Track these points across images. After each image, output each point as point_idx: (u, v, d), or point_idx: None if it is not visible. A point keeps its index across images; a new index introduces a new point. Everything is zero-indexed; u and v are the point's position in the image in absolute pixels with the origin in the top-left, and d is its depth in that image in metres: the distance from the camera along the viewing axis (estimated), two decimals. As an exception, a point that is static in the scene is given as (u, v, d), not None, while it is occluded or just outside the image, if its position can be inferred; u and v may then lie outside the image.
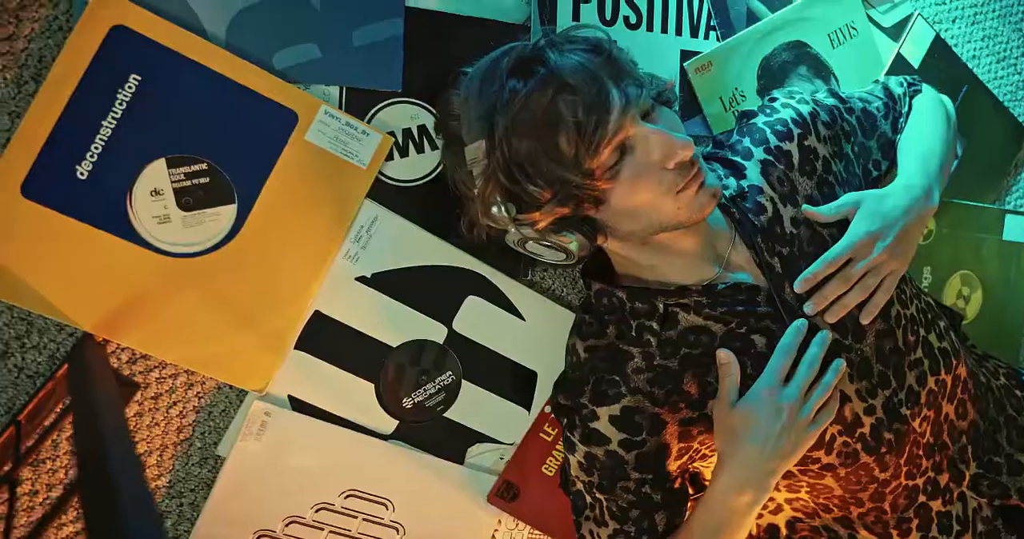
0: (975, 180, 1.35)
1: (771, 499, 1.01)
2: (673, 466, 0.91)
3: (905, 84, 1.10)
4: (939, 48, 1.28)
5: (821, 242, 0.92)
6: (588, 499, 0.92)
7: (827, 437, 0.90)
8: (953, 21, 1.31)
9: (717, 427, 0.87)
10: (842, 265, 0.89)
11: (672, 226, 0.84)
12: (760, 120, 0.98)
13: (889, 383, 0.91)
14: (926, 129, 1.03)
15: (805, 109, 0.98)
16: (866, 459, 0.91)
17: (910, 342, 0.93)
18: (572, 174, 0.78)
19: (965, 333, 1.20)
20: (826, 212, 0.91)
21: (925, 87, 1.11)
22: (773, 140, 0.95)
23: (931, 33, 1.28)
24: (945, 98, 1.12)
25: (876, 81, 1.11)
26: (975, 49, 1.33)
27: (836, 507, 0.98)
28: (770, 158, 0.94)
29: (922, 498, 0.96)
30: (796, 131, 0.96)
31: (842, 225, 0.93)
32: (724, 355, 0.86)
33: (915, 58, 1.27)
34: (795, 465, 0.92)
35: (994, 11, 1.34)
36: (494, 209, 0.83)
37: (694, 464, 0.94)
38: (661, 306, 0.88)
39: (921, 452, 0.95)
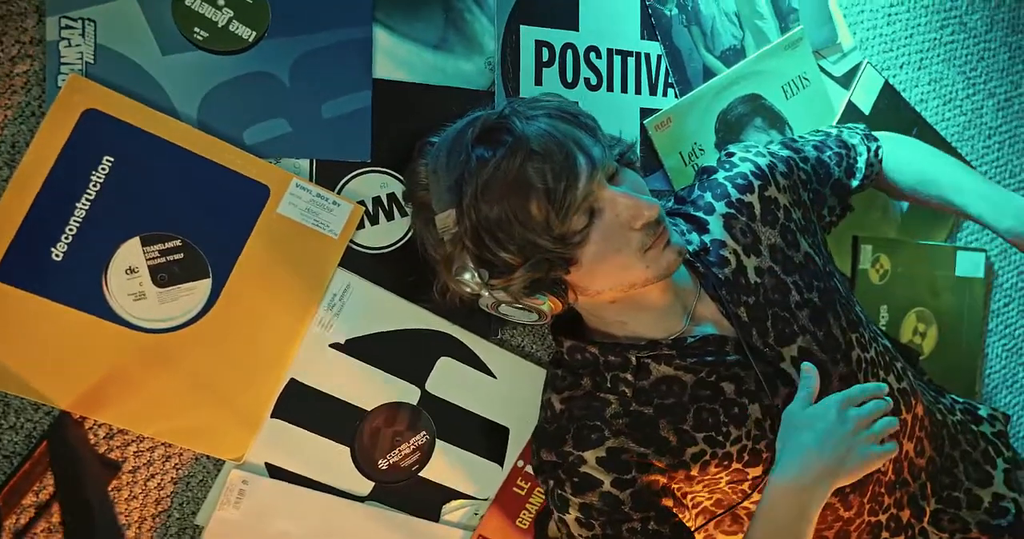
0: (927, 219, 1.45)
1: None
2: (668, 503, 0.95)
3: (860, 132, 1.19)
4: (888, 94, 1.38)
5: (785, 290, 0.99)
6: None
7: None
8: (900, 67, 1.41)
9: (783, 428, 0.92)
10: None
11: (641, 284, 0.90)
12: (720, 175, 1.05)
13: (852, 426, 0.99)
14: (943, 175, 1.14)
15: (763, 161, 1.06)
16: (831, 500, 0.98)
17: None
18: (543, 239, 0.84)
19: (923, 368, 1.29)
20: None
21: (881, 135, 1.21)
22: (735, 194, 1.02)
23: (880, 80, 1.37)
24: (898, 135, 1.23)
25: (825, 131, 1.20)
26: (922, 93, 1.43)
27: (802, 548, 1.05)
28: (732, 211, 1.01)
29: (885, 534, 1.03)
30: (756, 183, 1.03)
31: (806, 271, 1.01)
32: (807, 367, 0.94)
33: (866, 104, 1.36)
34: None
35: (939, 56, 1.44)
36: (466, 275, 0.88)
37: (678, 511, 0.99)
38: (633, 358, 0.95)
39: (883, 490, 1.02)
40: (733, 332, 0.96)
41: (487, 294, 0.90)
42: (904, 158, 1.18)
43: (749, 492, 0.97)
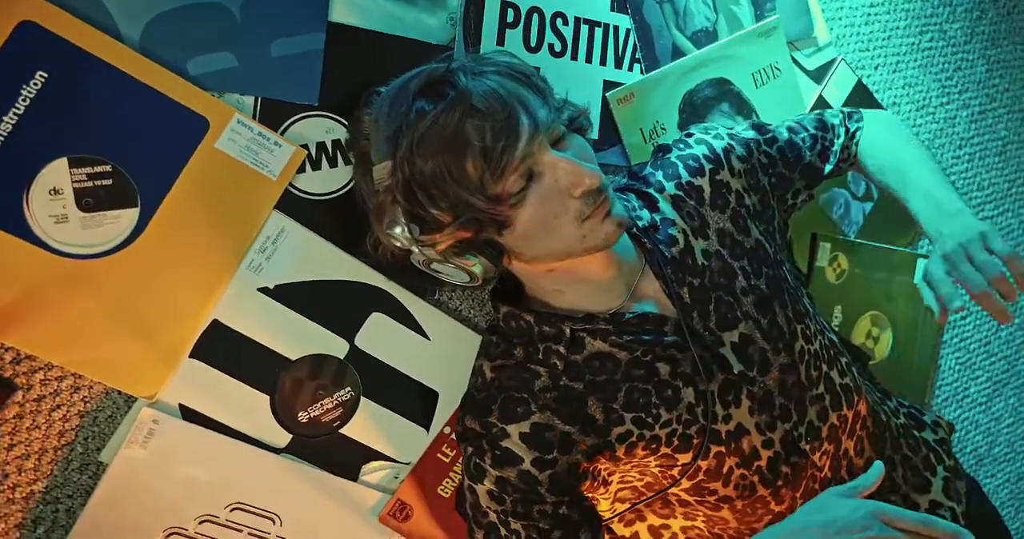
0: (890, 223, 1.45)
1: (667, 527, 1.06)
2: (584, 487, 0.95)
3: (842, 114, 1.17)
4: (860, 93, 1.38)
5: (732, 275, 0.98)
6: (503, 532, 0.94)
7: (725, 469, 0.96)
8: (875, 68, 1.42)
9: (815, 498, 0.91)
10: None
11: (578, 253, 0.89)
12: (673, 155, 1.04)
13: (790, 416, 0.98)
14: (903, 165, 1.10)
15: (719, 144, 1.05)
16: (762, 491, 0.98)
17: (812, 377, 1.00)
18: (476, 198, 0.83)
19: (871, 371, 1.29)
20: (941, 311, 0.99)
21: (867, 113, 1.18)
22: (685, 175, 1.02)
23: (853, 78, 1.38)
24: (881, 114, 1.20)
25: (813, 112, 1.18)
26: (895, 96, 1.44)
27: (731, 539, 1.04)
28: (680, 194, 1.01)
29: None
30: (708, 166, 1.02)
31: (755, 257, 1.00)
32: (878, 466, 0.90)
33: (836, 101, 1.37)
34: (692, 494, 0.98)
35: (915, 61, 1.45)
36: (397, 229, 0.88)
37: (595, 493, 0.99)
38: (568, 330, 0.94)
39: (818, 486, 1.01)
40: (674, 313, 0.96)
41: (417, 250, 0.89)
42: (876, 142, 1.15)
43: (678, 478, 0.96)
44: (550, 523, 0.92)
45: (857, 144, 1.15)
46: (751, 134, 1.09)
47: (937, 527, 0.84)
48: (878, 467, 0.90)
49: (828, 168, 1.14)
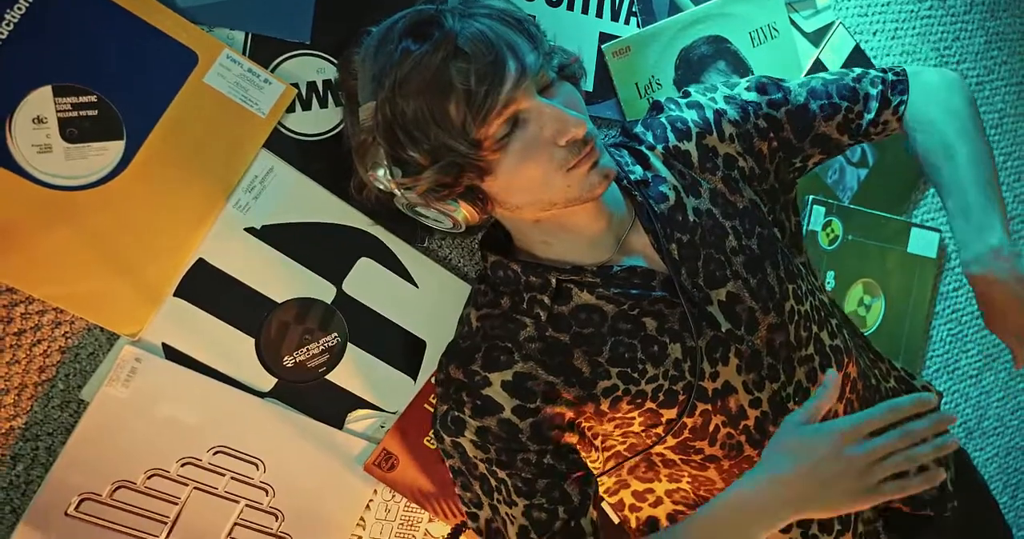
0: (885, 191, 1.46)
1: (651, 491, 1.07)
2: (571, 439, 0.95)
3: (883, 85, 1.08)
4: (857, 58, 1.39)
5: (722, 234, 0.98)
6: (493, 482, 0.94)
7: (711, 428, 0.96)
8: (874, 34, 1.42)
9: (776, 434, 0.90)
10: None
11: (563, 203, 0.89)
12: (664, 116, 1.03)
13: (778, 377, 0.98)
14: (946, 165, 1.02)
15: (710, 109, 1.02)
16: (749, 451, 0.98)
17: (802, 338, 1.00)
18: (457, 142, 0.82)
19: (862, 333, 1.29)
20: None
21: (917, 78, 1.08)
22: (672, 139, 1.01)
23: (851, 43, 1.38)
24: (941, 78, 1.08)
25: (846, 72, 1.09)
26: (893, 63, 1.45)
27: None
28: (668, 155, 1.01)
29: None
30: (695, 131, 1.01)
31: (749, 217, 1.00)
32: (830, 375, 0.89)
33: (834, 65, 1.37)
34: (677, 453, 0.99)
35: (914, 29, 1.46)
36: (380, 171, 0.88)
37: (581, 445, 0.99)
38: (554, 281, 0.94)
39: (807, 449, 1.02)
40: (663, 268, 0.96)
41: (399, 193, 0.89)
42: (922, 118, 1.06)
43: (663, 435, 0.96)
44: (534, 471, 0.92)
45: (900, 119, 1.07)
46: (751, 96, 1.05)
47: (902, 407, 0.86)
48: (831, 375, 0.89)
49: (851, 141, 1.08)
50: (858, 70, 1.09)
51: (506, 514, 0.94)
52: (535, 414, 0.92)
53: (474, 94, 0.81)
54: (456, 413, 0.93)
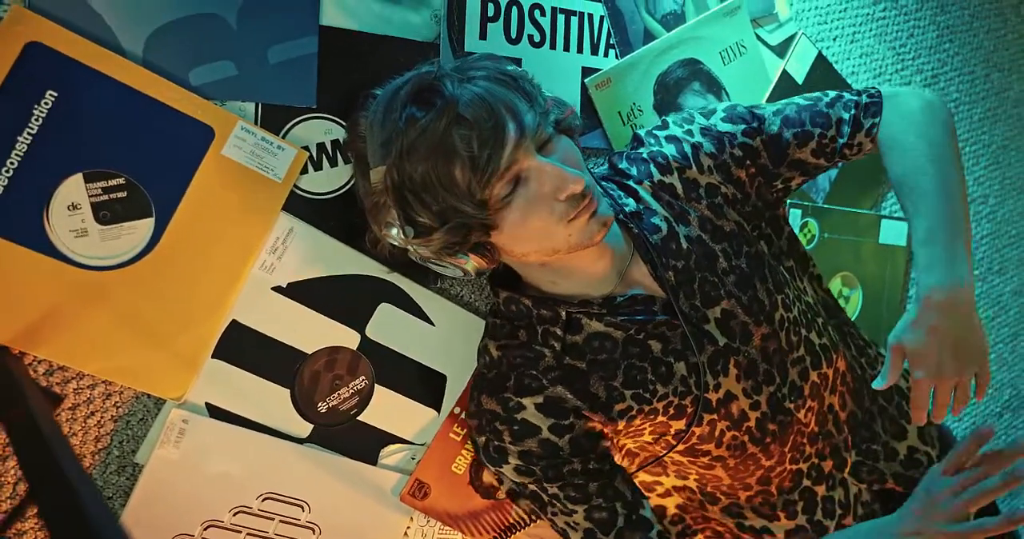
0: (854, 188, 1.57)
1: (659, 483, 1.17)
2: (606, 444, 1.04)
3: (856, 108, 1.11)
4: (821, 65, 1.50)
5: (713, 257, 1.07)
6: (545, 498, 1.03)
7: (717, 432, 1.06)
8: (834, 39, 1.53)
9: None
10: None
11: (565, 251, 0.97)
12: (645, 151, 1.11)
13: (773, 380, 1.08)
14: (917, 187, 1.02)
15: (687, 143, 1.09)
16: (752, 449, 1.08)
17: (792, 342, 1.10)
18: (464, 204, 0.90)
19: (849, 320, 1.35)
20: (884, 382, 0.97)
21: (891, 100, 1.10)
22: (656, 173, 1.09)
23: (814, 51, 1.49)
24: (921, 102, 1.09)
25: (819, 96, 1.13)
26: (854, 66, 1.56)
27: (724, 495, 1.15)
28: (655, 188, 1.09)
29: (807, 482, 1.12)
30: (675, 166, 1.09)
31: (736, 239, 1.08)
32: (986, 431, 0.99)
33: (799, 74, 1.48)
34: (685, 456, 1.08)
35: (871, 30, 1.57)
36: (393, 231, 0.96)
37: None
38: (563, 313, 1.03)
39: (805, 440, 1.12)
40: (661, 293, 1.04)
41: (412, 249, 0.97)
42: (894, 143, 1.07)
43: (674, 443, 1.06)
44: (584, 478, 1.01)
45: (874, 140, 1.10)
46: (727, 127, 1.10)
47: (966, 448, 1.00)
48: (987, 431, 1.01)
49: (828, 163, 1.12)
50: (832, 93, 1.14)
51: (566, 523, 1.03)
52: (571, 430, 1.00)
53: (477, 159, 0.88)
54: (497, 443, 1.01)
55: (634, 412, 1.03)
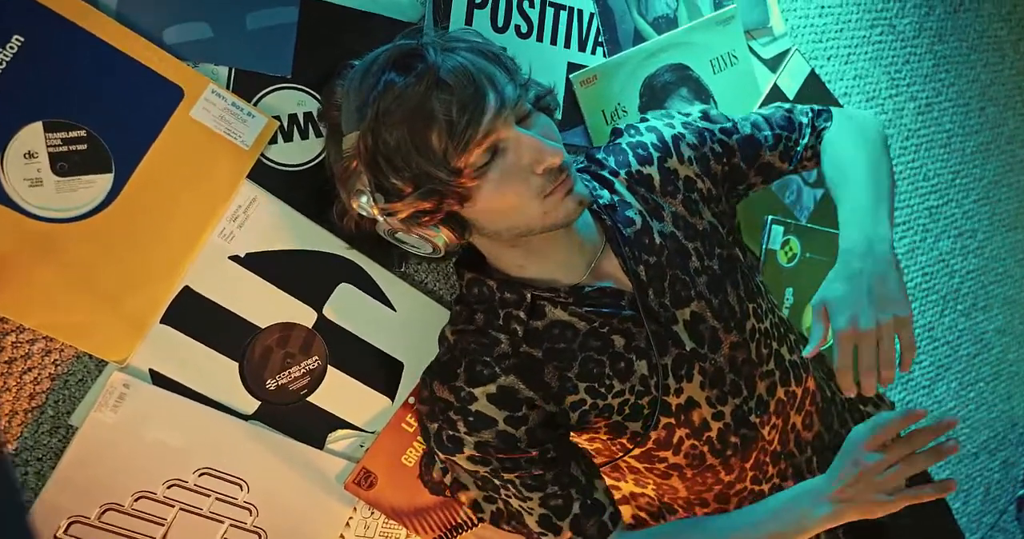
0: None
1: (617, 489, 1.17)
2: (560, 430, 1.03)
3: (811, 113, 1.21)
4: (813, 83, 1.51)
5: (686, 254, 1.08)
6: (497, 482, 1.02)
7: (675, 439, 1.06)
8: (828, 59, 1.54)
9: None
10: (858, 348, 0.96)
11: (539, 229, 0.97)
12: (624, 141, 1.12)
13: (740, 392, 1.08)
14: (849, 170, 1.10)
15: (668, 132, 1.12)
16: (712, 461, 1.08)
17: (763, 354, 1.10)
18: (438, 170, 0.90)
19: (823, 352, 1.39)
20: (811, 348, 0.97)
21: (840, 113, 1.21)
22: (634, 164, 1.10)
23: (807, 68, 1.50)
24: (862, 114, 1.22)
25: (780, 105, 1.23)
26: (847, 87, 1.57)
27: (681, 508, 1.14)
28: (631, 181, 1.10)
29: None
30: (656, 155, 1.10)
31: (709, 239, 1.09)
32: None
33: (791, 90, 1.49)
34: (641, 462, 1.08)
35: (866, 53, 1.58)
36: (363, 198, 0.95)
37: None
38: (529, 296, 1.02)
39: (768, 459, 1.12)
40: (631, 289, 1.04)
41: (381, 219, 0.96)
42: (834, 144, 1.17)
43: (630, 447, 1.05)
44: (541, 467, 1.00)
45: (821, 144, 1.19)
46: (705, 124, 1.15)
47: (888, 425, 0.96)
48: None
49: (789, 167, 1.19)
50: (787, 104, 1.24)
51: (520, 507, 1.03)
52: (526, 421, 0.99)
53: (455, 124, 0.88)
54: (451, 432, 1.00)
55: (587, 407, 1.02)
